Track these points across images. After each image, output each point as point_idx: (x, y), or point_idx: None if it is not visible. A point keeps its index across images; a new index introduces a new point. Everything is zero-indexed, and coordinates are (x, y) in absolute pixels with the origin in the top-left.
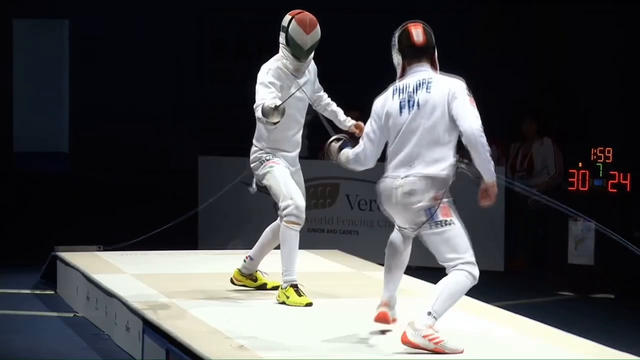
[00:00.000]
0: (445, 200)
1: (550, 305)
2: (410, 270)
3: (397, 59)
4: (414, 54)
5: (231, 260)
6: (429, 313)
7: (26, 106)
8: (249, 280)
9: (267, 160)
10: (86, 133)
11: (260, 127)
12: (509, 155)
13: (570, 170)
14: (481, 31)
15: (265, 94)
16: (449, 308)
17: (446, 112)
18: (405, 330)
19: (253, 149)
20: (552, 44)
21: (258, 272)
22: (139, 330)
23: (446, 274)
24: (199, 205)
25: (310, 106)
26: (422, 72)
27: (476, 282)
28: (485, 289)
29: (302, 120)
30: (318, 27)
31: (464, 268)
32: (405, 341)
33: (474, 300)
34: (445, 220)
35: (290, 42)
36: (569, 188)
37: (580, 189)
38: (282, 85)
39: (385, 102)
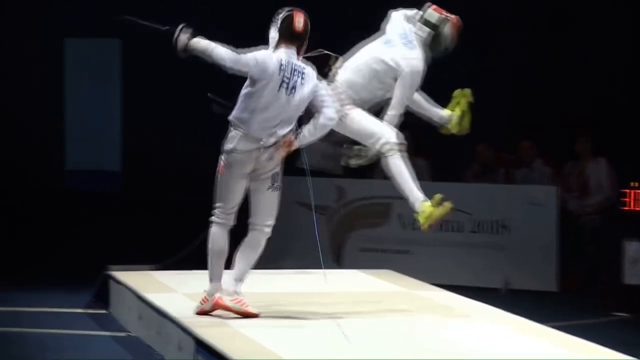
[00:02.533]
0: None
1: (605, 327)
2: (461, 290)
3: (274, 34)
4: (290, 38)
5: (281, 279)
6: (236, 280)
7: (78, 124)
8: None
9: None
10: (138, 151)
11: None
12: (563, 175)
13: (624, 190)
14: (530, 48)
15: None
16: None
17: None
18: (219, 296)
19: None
20: (604, 60)
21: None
22: (191, 350)
23: None
24: None
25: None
26: (293, 56)
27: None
28: (539, 310)
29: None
30: None
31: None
32: (221, 305)
33: (526, 321)
34: (279, 186)
35: None
36: (623, 208)
37: (635, 208)
38: None
39: (273, 60)
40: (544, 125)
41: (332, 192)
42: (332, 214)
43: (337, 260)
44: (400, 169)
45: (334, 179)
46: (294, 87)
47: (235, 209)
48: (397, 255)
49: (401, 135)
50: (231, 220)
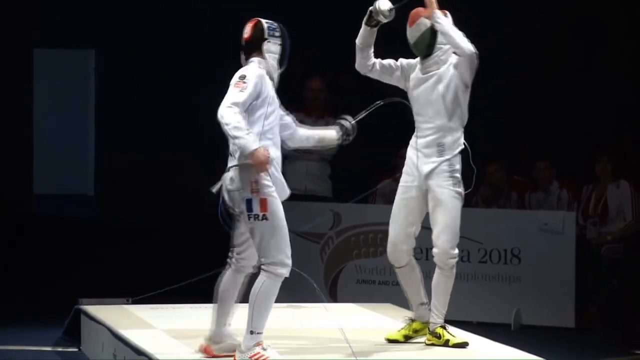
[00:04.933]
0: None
1: None
2: (468, 325)
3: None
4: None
5: (272, 314)
6: (251, 332)
7: (47, 144)
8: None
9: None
10: (114, 174)
11: None
12: (580, 199)
13: None
14: (550, 62)
15: None
16: (268, 315)
17: None
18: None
19: None
20: (627, 72)
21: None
22: None
23: None
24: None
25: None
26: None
27: (282, 277)
28: (555, 348)
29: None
30: (420, 20)
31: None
32: None
33: None
34: (258, 215)
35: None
36: None
37: None
38: (406, 69)
39: None
40: (562, 144)
41: (327, 218)
42: (327, 241)
43: (332, 292)
44: (402, 280)
45: (328, 204)
46: None
47: (242, 252)
48: (399, 288)
49: (405, 248)
50: (242, 267)
